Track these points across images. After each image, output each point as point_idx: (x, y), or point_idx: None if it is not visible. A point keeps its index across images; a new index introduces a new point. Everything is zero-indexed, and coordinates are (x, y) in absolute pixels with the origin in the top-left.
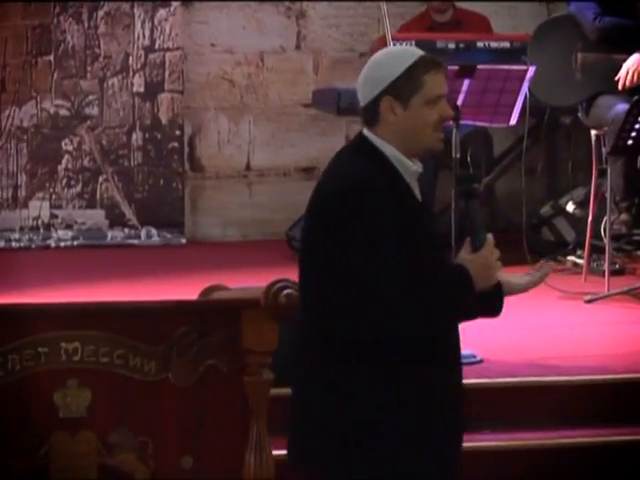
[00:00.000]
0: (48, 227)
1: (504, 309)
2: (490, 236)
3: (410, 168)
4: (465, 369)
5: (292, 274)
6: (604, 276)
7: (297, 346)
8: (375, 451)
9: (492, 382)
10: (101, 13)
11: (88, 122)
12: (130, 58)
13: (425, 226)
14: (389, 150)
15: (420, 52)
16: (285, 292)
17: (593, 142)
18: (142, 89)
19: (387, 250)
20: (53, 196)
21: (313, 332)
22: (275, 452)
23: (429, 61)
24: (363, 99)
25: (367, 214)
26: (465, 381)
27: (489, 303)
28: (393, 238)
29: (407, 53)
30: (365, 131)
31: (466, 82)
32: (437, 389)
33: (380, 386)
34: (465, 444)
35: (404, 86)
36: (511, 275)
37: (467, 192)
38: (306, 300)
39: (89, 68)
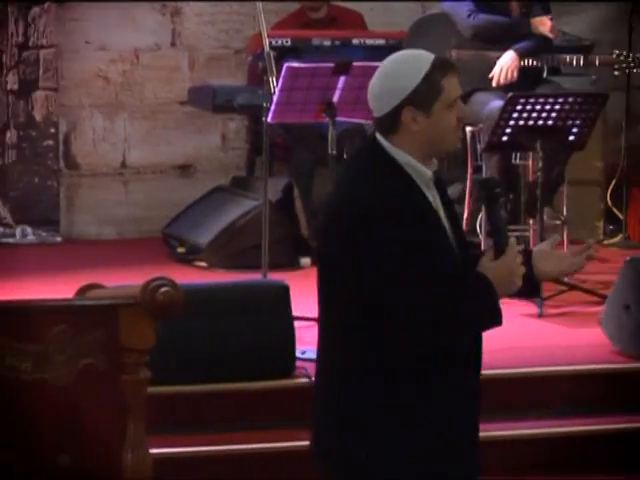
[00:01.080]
0: None
1: None
2: (513, 241)
3: (425, 175)
4: None
5: (169, 272)
6: None
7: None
8: (387, 457)
9: None
10: None
11: None
12: (4, 56)
13: (440, 232)
14: (403, 158)
15: (431, 56)
16: (162, 290)
17: (468, 138)
18: (16, 87)
19: (409, 259)
20: None
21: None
22: (153, 450)
23: (444, 65)
24: (379, 110)
25: (383, 227)
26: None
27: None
28: (412, 249)
29: (421, 59)
30: (378, 137)
31: (342, 79)
32: (453, 396)
33: (394, 394)
34: None
35: (425, 94)
36: (546, 257)
37: (488, 197)
38: (329, 312)
39: None
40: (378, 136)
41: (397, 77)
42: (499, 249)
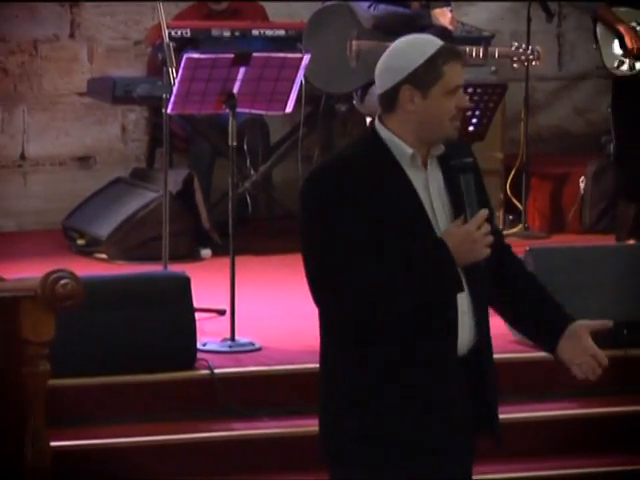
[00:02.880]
0: None
1: (282, 296)
2: (483, 211)
3: (406, 153)
4: (244, 357)
5: (69, 264)
6: None
7: None
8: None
9: (271, 369)
10: None
11: None
12: None
13: (409, 211)
14: (385, 134)
15: (440, 42)
16: (61, 282)
17: None
18: None
19: (350, 227)
20: None
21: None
22: (53, 443)
23: (450, 51)
24: (381, 87)
25: (331, 194)
26: (244, 369)
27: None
28: (358, 218)
29: (428, 43)
30: (376, 120)
31: (242, 70)
32: (422, 371)
33: (358, 366)
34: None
35: (424, 76)
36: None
37: (459, 166)
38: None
39: None
40: (377, 116)
41: (401, 56)
42: (467, 218)
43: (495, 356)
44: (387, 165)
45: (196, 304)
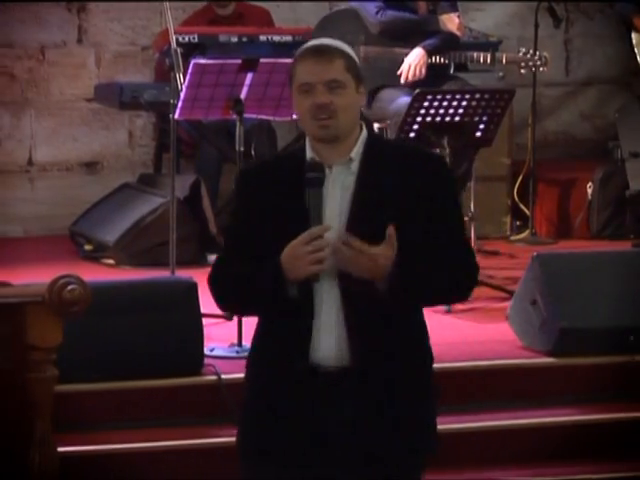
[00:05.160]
0: None
1: None
2: (316, 228)
3: (307, 158)
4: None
5: (76, 269)
6: None
7: None
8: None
9: None
10: None
11: None
12: None
13: (286, 216)
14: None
15: (316, 44)
16: (69, 288)
17: None
18: None
19: (232, 227)
20: None
21: None
22: (60, 449)
23: (303, 50)
24: None
25: (235, 192)
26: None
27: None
28: (239, 217)
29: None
30: None
31: (249, 75)
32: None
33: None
34: None
35: (290, 77)
36: None
37: (314, 180)
38: None
39: None
40: None
41: None
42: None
43: (496, 362)
44: (293, 168)
45: (203, 309)
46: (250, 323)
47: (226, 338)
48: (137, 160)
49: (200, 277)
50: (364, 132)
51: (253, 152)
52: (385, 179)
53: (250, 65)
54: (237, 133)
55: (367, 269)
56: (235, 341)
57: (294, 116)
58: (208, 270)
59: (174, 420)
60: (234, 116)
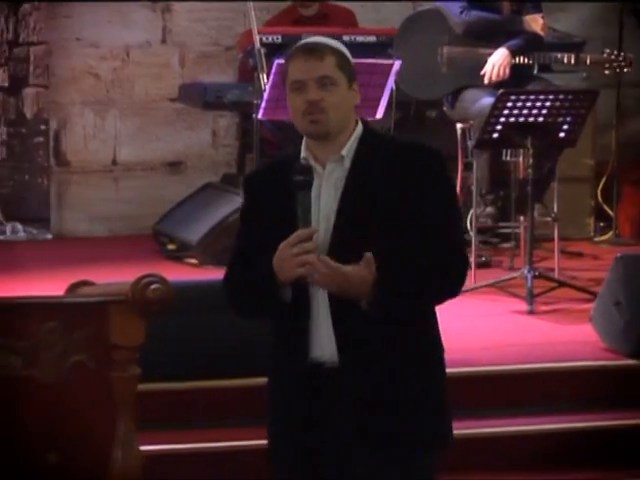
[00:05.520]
0: None
1: None
2: (301, 231)
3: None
4: None
5: (159, 269)
6: (470, 269)
7: None
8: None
9: None
10: None
11: None
12: None
13: (281, 217)
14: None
15: (304, 42)
16: (152, 287)
17: (459, 135)
18: (6, 84)
19: (239, 230)
20: None
21: None
22: (143, 447)
23: (295, 49)
24: None
25: (243, 195)
26: None
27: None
28: (245, 220)
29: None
30: None
31: None
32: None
33: None
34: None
35: (284, 77)
36: None
37: (301, 183)
38: None
39: None
40: None
41: None
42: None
43: (579, 364)
44: (290, 170)
45: None
46: None
47: None
48: (220, 160)
49: None
50: (359, 129)
51: None
52: (375, 177)
53: None
54: None
55: (343, 289)
56: None
57: (378, 116)
58: None
59: (251, 419)
60: None
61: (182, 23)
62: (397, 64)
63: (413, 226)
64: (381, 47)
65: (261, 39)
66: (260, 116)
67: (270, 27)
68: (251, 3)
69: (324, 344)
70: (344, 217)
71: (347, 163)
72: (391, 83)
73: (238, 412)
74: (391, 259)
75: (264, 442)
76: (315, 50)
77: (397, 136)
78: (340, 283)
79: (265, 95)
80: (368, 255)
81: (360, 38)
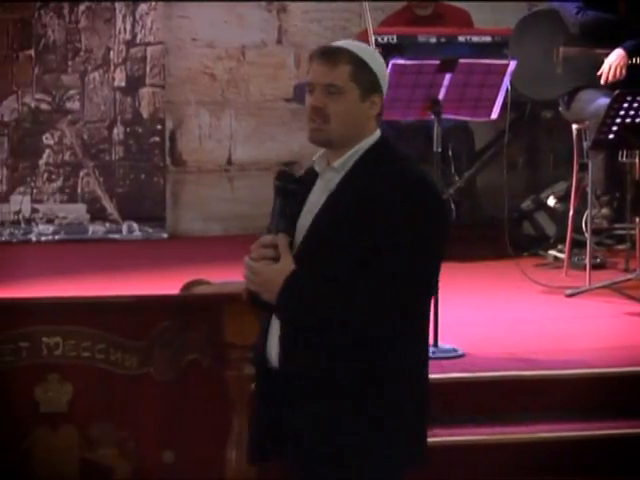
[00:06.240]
0: (29, 221)
1: (485, 302)
2: (268, 237)
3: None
4: (447, 363)
5: None
6: (585, 270)
7: None
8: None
9: (474, 376)
10: (82, 7)
11: (69, 116)
12: (111, 52)
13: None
14: None
15: (327, 44)
16: None
17: (574, 136)
18: (123, 83)
19: None
20: (34, 190)
21: None
22: None
23: (313, 52)
24: None
25: None
26: (447, 375)
27: None
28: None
29: None
30: None
31: (447, 76)
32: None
33: None
34: (447, 438)
35: None
36: None
37: (282, 189)
38: None
39: (70, 62)
40: None
41: None
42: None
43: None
44: (310, 173)
45: None
46: (446, 324)
47: None
48: None
49: None
50: (366, 143)
51: (450, 153)
52: (356, 197)
53: (449, 66)
54: (435, 134)
55: (255, 284)
56: (431, 342)
57: (492, 117)
58: None
59: None
60: (431, 117)
61: (297, 23)
62: (512, 64)
63: (365, 253)
64: (496, 47)
65: (376, 39)
66: None
67: (385, 27)
68: (366, 3)
69: (275, 346)
70: (315, 228)
71: (341, 175)
72: (506, 83)
73: None
74: (320, 276)
75: None
76: (331, 56)
77: (406, 161)
78: (253, 280)
79: None
80: (285, 257)
81: (475, 38)
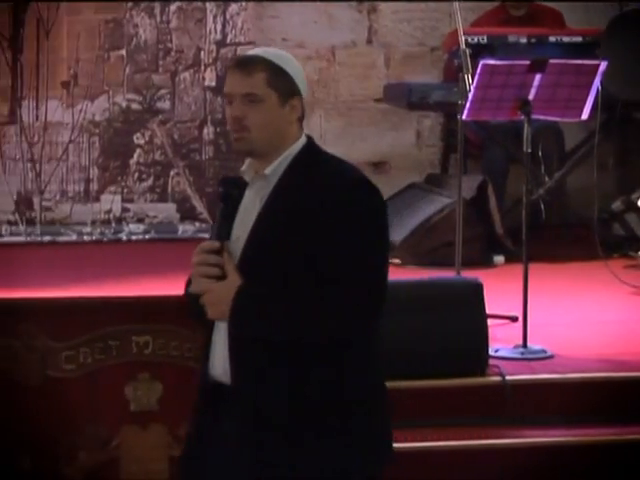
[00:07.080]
0: (120, 221)
1: (574, 304)
2: (208, 243)
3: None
4: (536, 364)
5: None
6: None
7: None
8: None
9: (564, 378)
10: (173, 7)
11: (160, 116)
12: (202, 52)
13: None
14: None
15: (241, 54)
16: None
17: None
18: (213, 83)
19: None
20: (125, 190)
21: None
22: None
23: (230, 59)
24: None
25: None
26: (535, 376)
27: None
28: None
29: None
30: None
31: (537, 77)
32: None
33: None
34: (530, 439)
35: None
36: None
37: (224, 195)
38: None
39: (161, 62)
40: None
41: None
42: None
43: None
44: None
45: (488, 310)
46: (535, 325)
47: (511, 339)
48: (424, 160)
49: (485, 278)
50: (295, 147)
51: (540, 153)
52: (292, 201)
53: (539, 66)
54: (525, 134)
55: (204, 300)
56: (520, 342)
57: (583, 117)
58: (494, 271)
59: (456, 420)
60: (521, 117)
61: (388, 23)
62: (603, 65)
63: (310, 260)
64: (588, 47)
65: (466, 40)
66: (464, 117)
67: (476, 27)
68: (457, 3)
69: (220, 360)
70: (254, 236)
71: (273, 182)
72: (597, 84)
73: (438, 412)
74: (268, 284)
75: (472, 442)
76: (246, 65)
77: (338, 162)
78: (205, 300)
79: (470, 96)
80: (231, 273)
81: (566, 39)
